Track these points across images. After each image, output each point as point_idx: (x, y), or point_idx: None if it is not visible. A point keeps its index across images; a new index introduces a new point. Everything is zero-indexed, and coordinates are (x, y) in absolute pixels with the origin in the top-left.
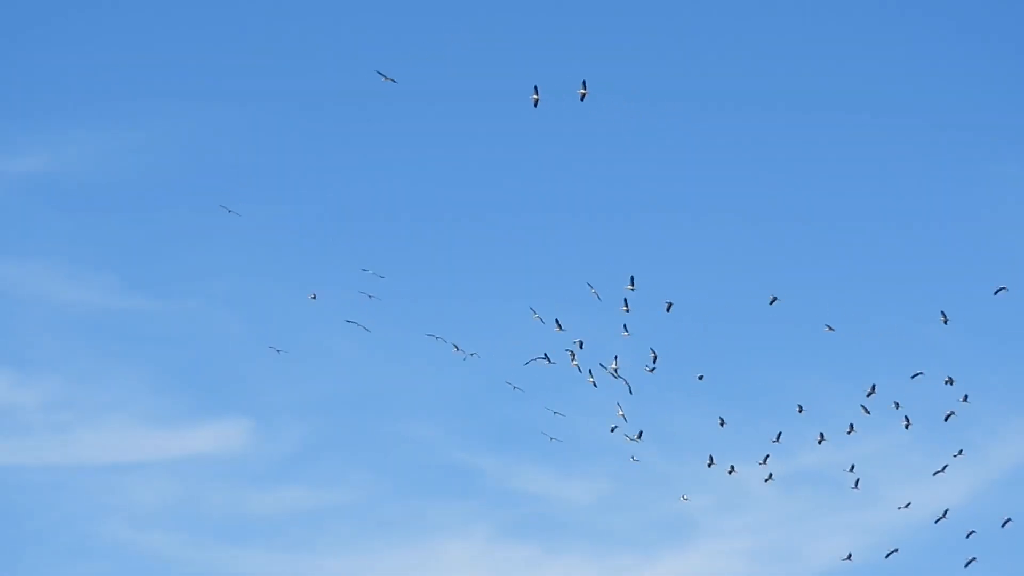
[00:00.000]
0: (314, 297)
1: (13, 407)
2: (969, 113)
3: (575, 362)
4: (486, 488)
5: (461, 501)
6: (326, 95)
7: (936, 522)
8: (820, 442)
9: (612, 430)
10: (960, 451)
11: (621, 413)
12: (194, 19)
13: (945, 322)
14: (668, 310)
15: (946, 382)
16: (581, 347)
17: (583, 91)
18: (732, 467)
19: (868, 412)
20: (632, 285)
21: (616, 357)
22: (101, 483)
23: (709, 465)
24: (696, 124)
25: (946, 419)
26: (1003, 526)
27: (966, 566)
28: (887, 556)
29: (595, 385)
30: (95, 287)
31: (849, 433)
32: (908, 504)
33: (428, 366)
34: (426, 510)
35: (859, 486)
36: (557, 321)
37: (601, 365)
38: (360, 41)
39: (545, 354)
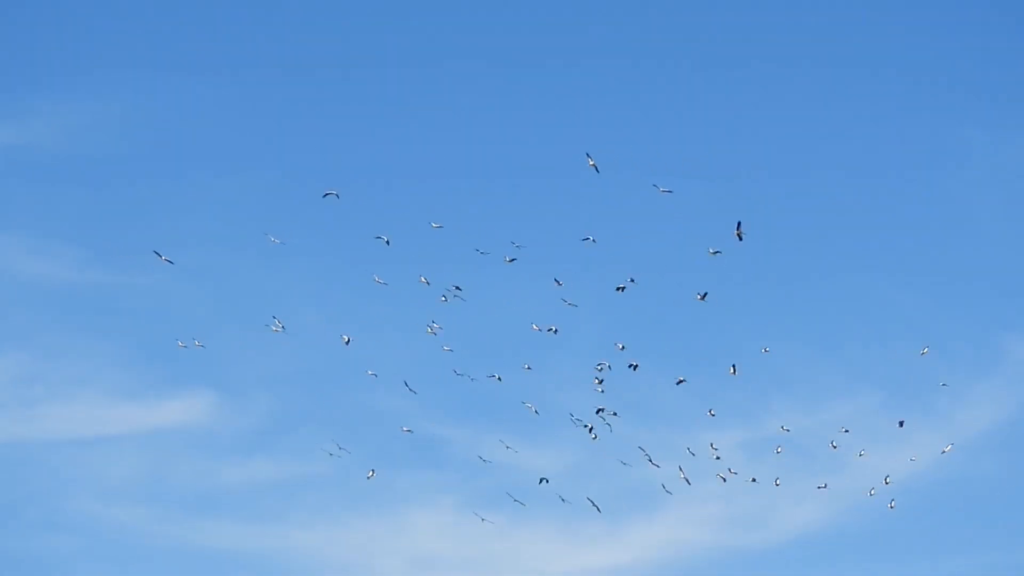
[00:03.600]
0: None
1: None
2: (937, 75)
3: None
4: (454, 458)
5: (429, 471)
6: (295, 65)
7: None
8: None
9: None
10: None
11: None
12: None
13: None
14: (625, 287)
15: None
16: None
17: None
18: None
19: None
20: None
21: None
22: (69, 457)
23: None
24: (659, 81)
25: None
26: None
27: None
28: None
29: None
30: (62, 261)
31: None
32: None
33: (396, 337)
34: (394, 481)
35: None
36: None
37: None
38: (332, 11)
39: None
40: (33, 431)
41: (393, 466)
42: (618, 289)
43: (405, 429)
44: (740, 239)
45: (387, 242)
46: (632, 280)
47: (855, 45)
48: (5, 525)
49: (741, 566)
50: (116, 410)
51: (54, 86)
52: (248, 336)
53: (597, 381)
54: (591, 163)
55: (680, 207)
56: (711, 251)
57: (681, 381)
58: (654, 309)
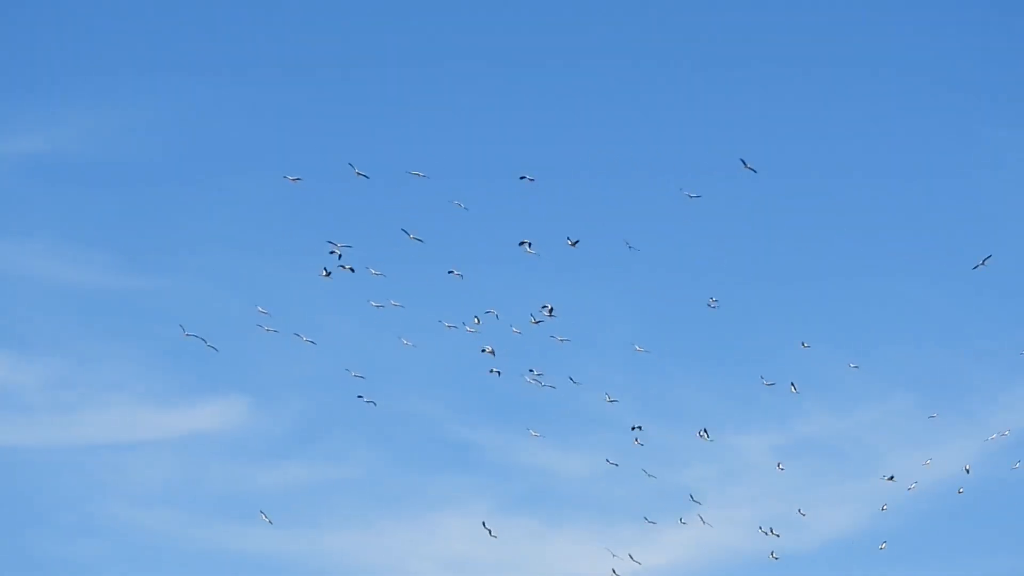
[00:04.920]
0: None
1: (14, 388)
2: (965, 76)
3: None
4: (486, 462)
5: (461, 475)
6: (321, 67)
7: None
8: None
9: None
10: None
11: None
12: None
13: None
14: (573, 245)
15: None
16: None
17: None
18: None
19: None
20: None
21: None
22: (102, 462)
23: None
24: (687, 82)
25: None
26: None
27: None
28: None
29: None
30: (94, 266)
31: None
32: (892, 476)
33: (428, 340)
34: (426, 485)
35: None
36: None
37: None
38: (352, 14)
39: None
40: (67, 436)
41: (426, 470)
42: (571, 243)
43: (355, 374)
44: (980, 266)
45: (339, 255)
46: (629, 246)
47: (888, 48)
48: (39, 529)
49: (775, 570)
50: (149, 415)
51: (81, 93)
52: (279, 340)
53: (489, 351)
54: (571, 243)
55: (702, 208)
56: (688, 195)
57: (714, 302)
58: (681, 312)
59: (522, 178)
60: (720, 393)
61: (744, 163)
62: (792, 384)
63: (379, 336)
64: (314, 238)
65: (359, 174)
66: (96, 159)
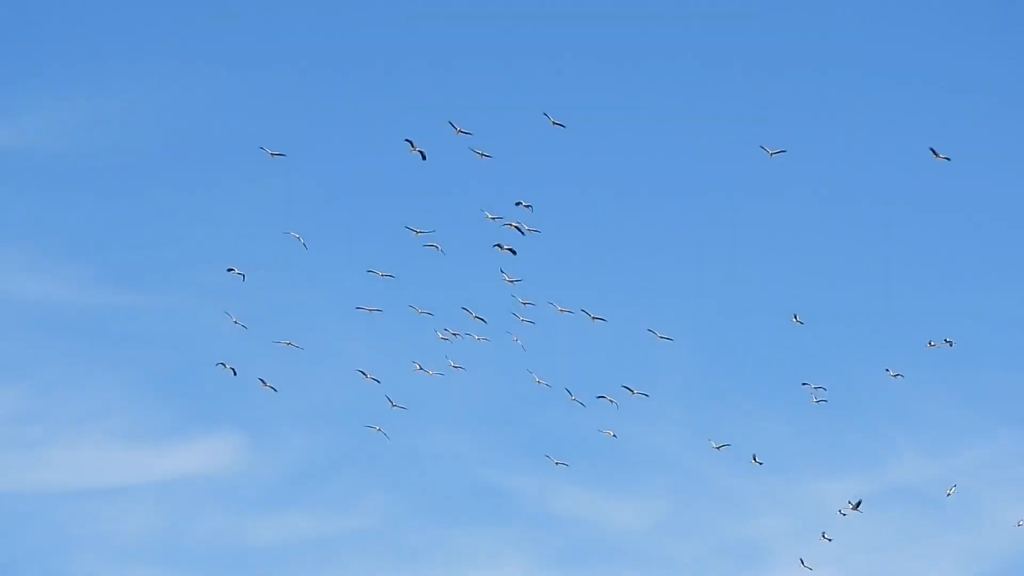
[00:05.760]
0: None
1: None
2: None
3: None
4: (522, 512)
5: (493, 527)
6: (322, 55)
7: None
8: None
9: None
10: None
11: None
12: None
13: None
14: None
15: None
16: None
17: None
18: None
19: None
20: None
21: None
22: (73, 509)
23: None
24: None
25: None
26: None
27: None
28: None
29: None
30: (66, 280)
31: None
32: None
33: (452, 367)
34: (453, 537)
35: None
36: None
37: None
38: (349, 5)
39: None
40: (31, 479)
41: (451, 519)
42: (525, 206)
43: (395, 404)
44: None
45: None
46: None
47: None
48: None
49: None
50: (127, 454)
51: (53, 80)
52: (279, 367)
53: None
54: (523, 205)
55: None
56: (770, 151)
57: (796, 320)
58: (768, 344)
59: (545, 115)
60: (799, 431)
61: (935, 152)
62: (804, 383)
63: (395, 360)
64: (320, 250)
65: (414, 150)
66: (71, 155)
